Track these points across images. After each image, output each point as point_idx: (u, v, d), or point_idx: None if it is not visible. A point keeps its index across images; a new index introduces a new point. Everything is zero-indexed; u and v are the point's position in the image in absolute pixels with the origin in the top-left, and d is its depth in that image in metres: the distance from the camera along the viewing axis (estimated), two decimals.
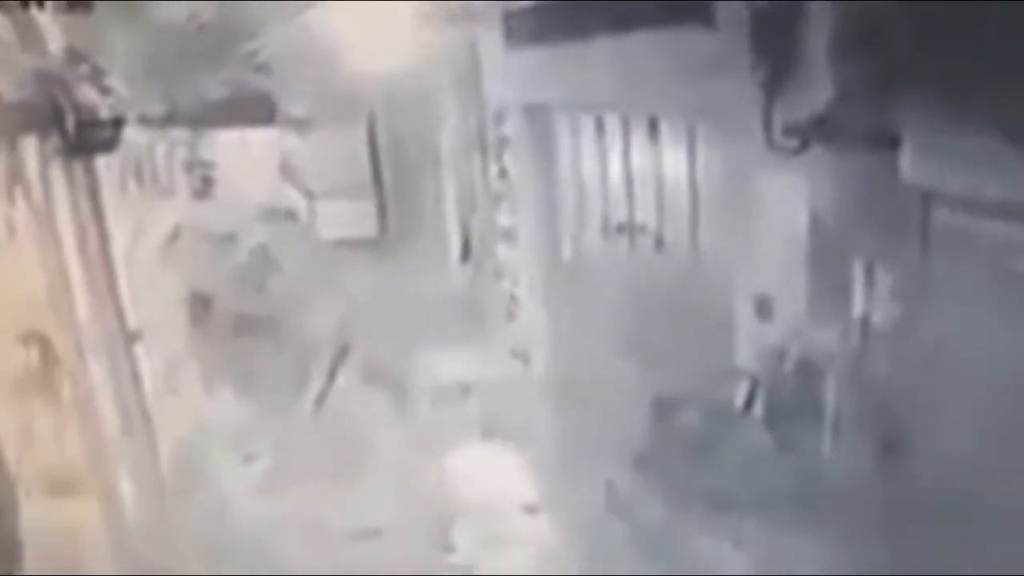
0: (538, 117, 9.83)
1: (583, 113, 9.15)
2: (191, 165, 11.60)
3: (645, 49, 7.12)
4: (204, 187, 12.63)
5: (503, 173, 10.49)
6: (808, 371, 6.26)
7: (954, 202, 4.79)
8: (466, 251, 12.72)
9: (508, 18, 9.48)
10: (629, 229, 8.73)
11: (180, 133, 10.68)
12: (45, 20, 6.25)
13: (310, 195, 16.14)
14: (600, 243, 9.34)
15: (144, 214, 9.40)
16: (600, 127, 8.92)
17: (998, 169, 4.27)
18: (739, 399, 6.91)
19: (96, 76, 6.81)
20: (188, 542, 7.24)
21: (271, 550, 7.78)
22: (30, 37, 6.17)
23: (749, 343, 6.91)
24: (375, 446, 9.65)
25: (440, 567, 7.47)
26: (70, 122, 6.23)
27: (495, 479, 9.36)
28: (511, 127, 10.12)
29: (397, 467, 9.36)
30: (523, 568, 7.34)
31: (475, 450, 9.77)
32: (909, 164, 4.91)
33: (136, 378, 7.46)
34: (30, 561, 6.26)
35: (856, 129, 5.31)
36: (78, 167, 6.63)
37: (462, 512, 8.90)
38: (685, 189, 7.77)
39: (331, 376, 11.12)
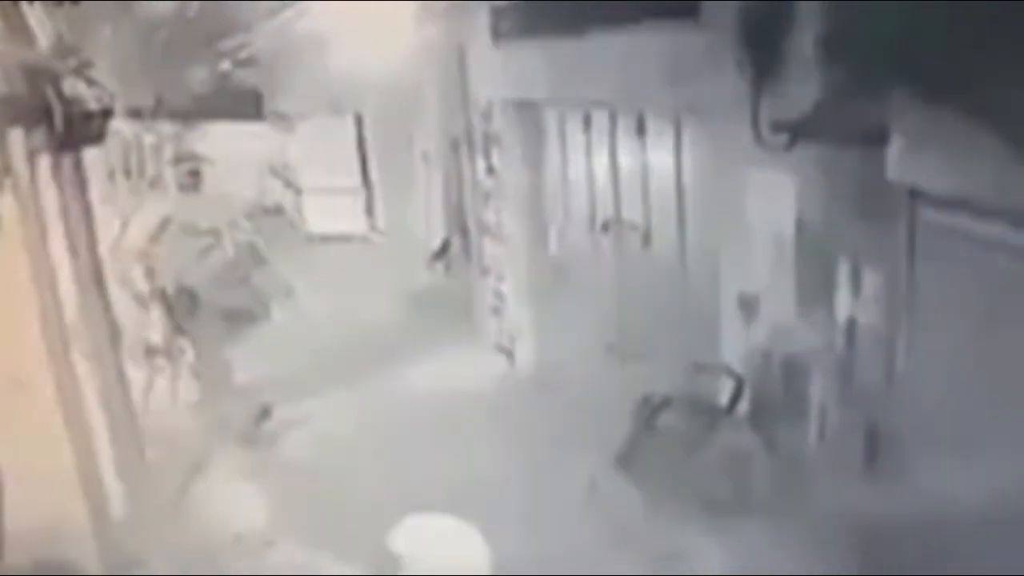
0: (526, 114, 9.84)
1: (570, 110, 9.16)
2: (178, 159, 11.56)
3: (632, 46, 7.12)
4: (191, 181, 12.60)
5: (490, 170, 10.48)
6: (793, 371, 6.25)
7: (941, 201, 4.79)
8: (444, 248, 12.76)
9: (496, 15, 9.49)
10: (616, 226, 8.75)
11: (167, 127, 10.64)
12: (34, 13, 6.23)
13: (297, 191, 16.22)
14: (586, 240, 9.35)
15: (132, 208, 9.36)
16: (587, 124, 8.94)
17: (985, 168, 4.28)
18: (724, 398, 6.92)
19: (84, 69, 6.78)
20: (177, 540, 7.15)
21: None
22: (19, 30, 6.14)
23: (734, 342, 6.91)
24: None
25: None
26: (58, 115, 6.19)
27: None
28: (498, 124, 10.12)
29: None
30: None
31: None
32: (896, 162, 4.91)
33: (121, 372, 7.43)
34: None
35: (844, 127, 5.30)
36: (66, 160, 6.60)
37: None
38: (672, 186, 7.77)
39: None
